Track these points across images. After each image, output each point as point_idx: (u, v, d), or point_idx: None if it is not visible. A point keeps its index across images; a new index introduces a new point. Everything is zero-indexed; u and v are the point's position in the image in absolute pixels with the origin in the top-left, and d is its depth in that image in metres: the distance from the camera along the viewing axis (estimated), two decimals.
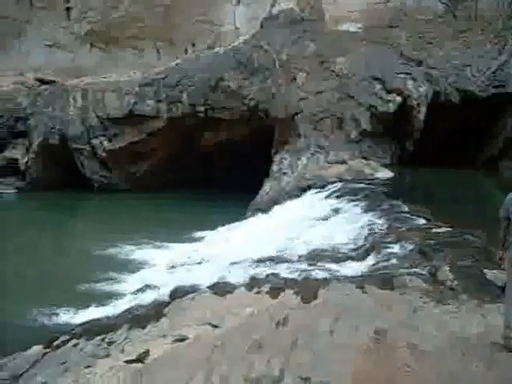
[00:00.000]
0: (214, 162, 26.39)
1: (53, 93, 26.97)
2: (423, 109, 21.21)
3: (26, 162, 26.62)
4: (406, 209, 14.08)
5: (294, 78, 22.90)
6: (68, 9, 29.94)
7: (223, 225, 17.75)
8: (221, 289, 9.41)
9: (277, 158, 21.88)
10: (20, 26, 30.01)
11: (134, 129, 25.35)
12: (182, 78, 24.64)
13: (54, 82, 27.74)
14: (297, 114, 22.33)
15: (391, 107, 21.28)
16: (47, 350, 8.90)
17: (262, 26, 25.49)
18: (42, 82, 28.29)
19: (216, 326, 7.45)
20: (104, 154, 25.81)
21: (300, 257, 12.07)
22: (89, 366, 7.53)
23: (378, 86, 21.72)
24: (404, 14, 24.18)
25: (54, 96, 26.82)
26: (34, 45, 30.28)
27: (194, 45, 29.94)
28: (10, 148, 27.34)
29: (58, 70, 29.06)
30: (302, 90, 22.63)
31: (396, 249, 10.94)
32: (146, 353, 7.06)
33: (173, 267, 14.20)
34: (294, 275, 10.42)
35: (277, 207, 18.05)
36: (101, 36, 30.06)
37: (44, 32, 30.25)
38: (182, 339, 7.18)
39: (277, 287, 9.08)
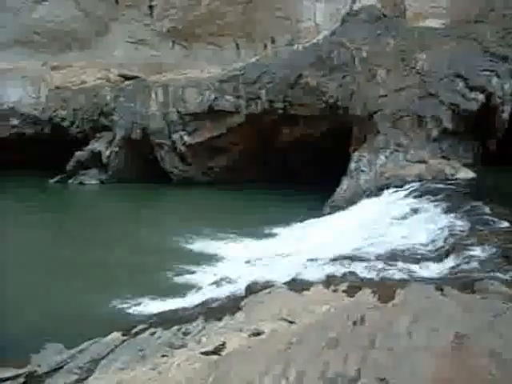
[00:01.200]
0: (291, 157, 26.38)
1: (135, 88, 27.72)
2: (508, 107, 20.44)
3: (109, 155, 27.47)
4: (489, 211, 13.62)
5: (374, 76, 22.56)
6: (151, 7, 30.63)
7: (300, 221, 17.73)
8: (297, 285, 9.41)
9: (355, 156, 21.62)
10: (105, 23, 30.94)
11: (213, 124, 25.71)
12: (261, 75, 24.76)
13: (137, 77, 28.47)
14: (376, 111, 21.99)
15: (474, 105, 20.60)
16: (125, 337, 9.15)
17: (342, 23, 25.26)
18: (125, 77, 29.10)
19: (292, 322, 7.45)
20: (183, 149, 26.29)
21: (377, 256, 11.89)
22: (165, 355, 7.69)
23: (461, 84, 21.07)
24: (491, 9, 23.35)
25: (137, 91, 27.55)
26: (118, 42, 31.16)
27: (273, 41, 30.00)
28: (94, 141, 28.32)
29: (140, 66, 29.80)
30: (381, 88, 22.27)
31: (477, 252, 10.61)
32: (222, 345, 7.14)
33: (248, 262, 14.32)
34: (372, 274, 10.30)
35: (354, 205, 17.87)
36: (182, 33, 30.59)
37: (128, 29, 31.07)
38: (257, 333, 7.22)
39: (354, 286, 9.00)
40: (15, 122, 30.09)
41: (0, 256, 16.34)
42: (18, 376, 8.30)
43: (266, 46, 30.12)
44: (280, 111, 24.44)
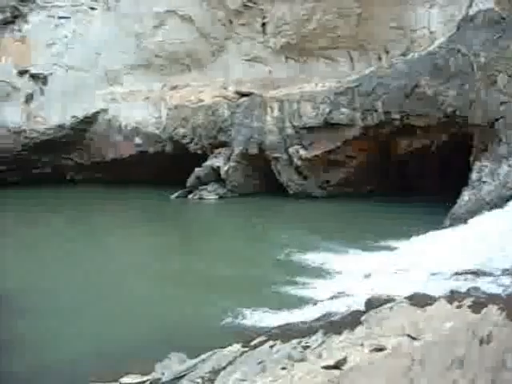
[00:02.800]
0: (410, 169, 25.81)
1: (251, 104, 28.30)
2: None
3: (227, 170, 28.17)
4: None
5: (495, 82, 21.65)
6: (264, 24, 31.14)
7: (420, 234, 17.29)
8: (419, 300, 9.17)
9: (476, 166, 20.82)
10: (220, 42, 31.83)
11: (328, 137, 25.71)
12: (377, 86, 24.49)
13: (253, 94, 29.04)
14: (497, 119, 21.08)
15: None
16: (245, 349, 9.29)
17: (458, 29, 24.47)
18: (241, 94, 29.76)
19: (415, 338, 7.28)
20: (300, 162, 26.47)
21: (503, 271, 11.38)
22: (285, 368, 7.74)
23: None
24: None
25: (253, 107, 28.12)
26: (233, 60, 31.93)
27: (387, 51, 29.55)
28: (213, 157, 29.17)
29: (255, 82, 30.37)
30: (503, 94, 21.33)
31: None
32: (344, 360, 7.09)
33: (367, 276, 14.14)
34: (497, 290, 9.88)
35: (477, 217, 17.20)
36: (295, 48, 30.85)
37: (242, 47, 31.77)
38: (379, 349, 7.12)
39: (479, 302, 8.65)
40: (139, 140, 31.65)
41: (122, 267, 17.21)
42: (143, 382, 8.69)
43: (380, 57, 29.74)
44: (396, 122, 24.04)
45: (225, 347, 9.52)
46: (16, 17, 31.91)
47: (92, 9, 31.59)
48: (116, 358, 10.42)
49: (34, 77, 32.43)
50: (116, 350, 10.77)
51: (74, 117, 32.56)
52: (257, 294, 13.88)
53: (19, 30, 32.08)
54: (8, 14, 31.73)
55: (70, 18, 31.80)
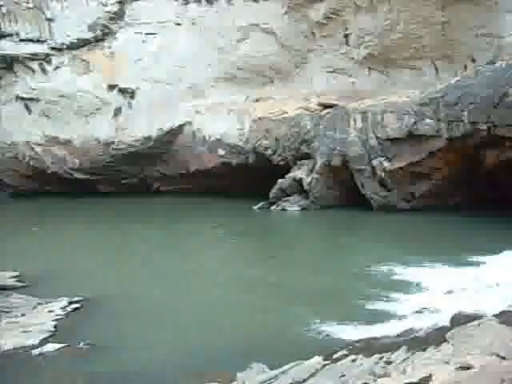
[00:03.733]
0: (500, 181, 24.89)
1: (334, 116, 28.18)
2: None
3: (310, 182, 28.15)
4: None
5: None
6: (346, 35, 31.01)
7: (509, 249, 16.66)
8: (509, 318, 8.85)
9: None
10: (303, 54, 31.92)
11: (413, 149, 25.23)
12: (463, 96, 23.85)
13: (335, 105, 28.93)
14: None
15: None
16: (326, 362, 9.26)
17: None
18: (324, 106, 29.70)
19: (504, 358, 7.04)
20: (383, 175, 26.10)
21: None
22: (367, 383, 7.66)
23: None
24: None
25: (336, 119, 28.00)
26: (316, 71, 31.97)
27: (473, 60, 28.76)
28: (296, 169, 29.25)
29: (338, 94, 30.26)
30: None
31: None
32: (428, 377, 6.95)
33: (451, 292, 13.77)
34: None
35: None
36: (378, 59, 30.55)
37: (325, 59, 31.75)
38: (466, 367, 6.93)
39: None
40: (222, 152, 32.18)
41: (206, 276, 17.51)
42: None
43: (466, 66, 28.97)
44: (484, 133, 23.29)
45: (306, 359, 9.52)
46: (106, 34, 33.24)
47: (177, 24, 32.49)
48: (198, 366, 10.62)
49: (122, 91, 33.66)
50: (197, 359, 10.97)
51: (159, 129, 33.54)
52: (339, 307, 13.79)
53: (109, 47, 33.41)
54: (98, 32, 33.11)
55: (156, 34, 32.84)
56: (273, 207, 28.84)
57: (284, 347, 11.26)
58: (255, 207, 29.07)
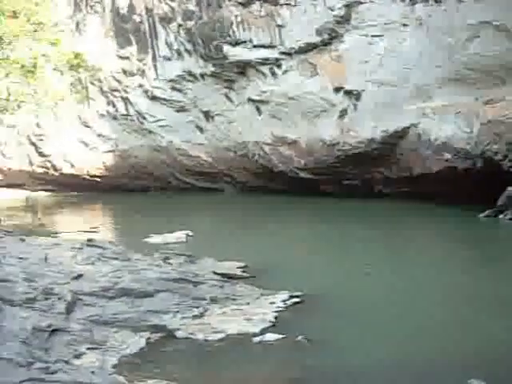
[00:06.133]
0: None
1: None
2: None
3: None
4: None
5: None
6: None
7: None
8: None
9: None
10: None
11: None
12: None
13: None
14: None
15: None
16: None
17: None
18: None
19: None
20: None
21: None
22: None
23: None
24: None
25: None
26: None
27: None
28: None
29: None
30: None
31: None
32: None
33: None
34: None
35: None
36: None
37: None
38: None
39: None
40: (448, 156, 31.08)
41: (428, 286, 17.00)
42: None
43: None
44: None
45: None
46: (333, 38, 33.92)
47: (404, 25, 31.99)
48: (415, 375, 10.46)
49: (348, 93, 34.13)
50: (413, 366, 10.80)
51: (384, 131, 33.39)
52: None
53: (336, 50, 34.04)
54: (326, 36, 33.90)
55: (382, 35, 32.69)
56: (501, 216, 27.14)
57: (506, 364, 10.62)
58: (481, 215, 27.59)
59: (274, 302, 14.57)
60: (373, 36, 32.91)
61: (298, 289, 15.60)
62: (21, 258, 15.96)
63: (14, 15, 27.53)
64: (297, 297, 15.07)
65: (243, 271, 18.22)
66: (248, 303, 14.56)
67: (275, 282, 16.78)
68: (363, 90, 33.62)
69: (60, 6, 37.49)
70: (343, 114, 34.63)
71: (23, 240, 19.50)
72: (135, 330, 12.48)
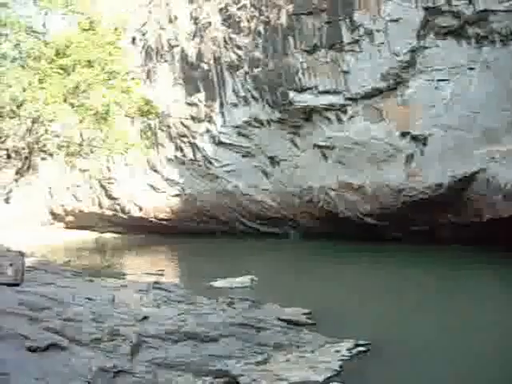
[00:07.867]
0: None
1: None
2: None
3: None
4: None
5: None
6: None
7: None
8: None
9: None
10: None
11: None
12: None
13: None
14: None
15: None
16: None
17: None
18: None
19: None
20: None
21: None
22: None
23: None
24: None
25: None
26: None
27: None
28: None
29: None
30: None
31: None
32: None
33: None
34: None
35: None
36: None
37: None
38: None
39: None
40: None
41: (494, 341, 16.22)
42: None
43: None
44: None
45: None
46: (398, 83, 33.77)
47: (470, 69, 31.57)
48: None
49: (414, 138, 33.74)
50: None
51: (452, 176, 32.74)
52: None
53: (401, 95, 33.82)
54: (391, 81, 33.78)
55: (448, 79, 32.34)
56: None
57: None
58: None
59: (339, 351, 14.33)
60: (438, 80, 32.58)
61: (364, 337, 15.32)
62: (89, 299, 16.35)
63: (89, 64, 28.89)
64: (362, 345, 14.81)
65: (308, 317, 18.05)
66: (312, 351, 14.36)
67: (340, 329, 16.54)
68: (430, 135, 33.19)
69: (132, 56, 39.01)
70: (410, 159, 34.22)
71: (92, 281, 20.00)
72: (198, 375, 12.47)
